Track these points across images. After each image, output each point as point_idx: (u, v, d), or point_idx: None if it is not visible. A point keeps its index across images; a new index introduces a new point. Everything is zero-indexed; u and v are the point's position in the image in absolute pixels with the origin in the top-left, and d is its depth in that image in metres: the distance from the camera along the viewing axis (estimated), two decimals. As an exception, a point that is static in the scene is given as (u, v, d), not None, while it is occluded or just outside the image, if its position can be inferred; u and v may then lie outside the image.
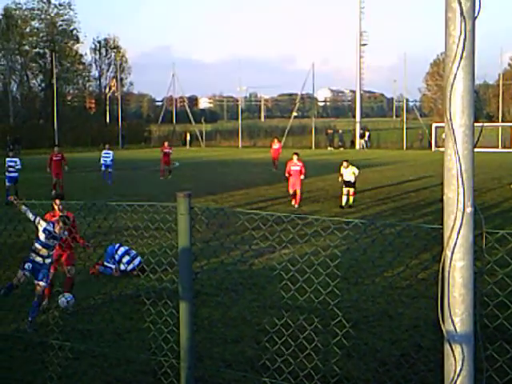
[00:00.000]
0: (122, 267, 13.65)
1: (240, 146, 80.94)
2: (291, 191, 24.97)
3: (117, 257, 13.91)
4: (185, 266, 4.99)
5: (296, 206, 24.33)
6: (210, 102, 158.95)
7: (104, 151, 35.86)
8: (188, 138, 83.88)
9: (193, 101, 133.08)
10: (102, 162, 35.35)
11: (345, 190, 24.30)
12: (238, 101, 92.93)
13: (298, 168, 25.05)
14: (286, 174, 25.49)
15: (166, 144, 39.27)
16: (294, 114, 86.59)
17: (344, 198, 24.21)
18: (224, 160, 55.36)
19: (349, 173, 24.43)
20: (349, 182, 24.34)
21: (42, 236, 10.45)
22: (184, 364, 4.97)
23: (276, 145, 42.60)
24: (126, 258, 13.92)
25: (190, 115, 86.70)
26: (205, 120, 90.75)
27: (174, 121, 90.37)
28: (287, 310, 7.96)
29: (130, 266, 13.64)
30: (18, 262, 13.11)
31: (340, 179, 25.02)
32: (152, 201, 21.63)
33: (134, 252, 14.09)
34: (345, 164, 24.75)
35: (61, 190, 28.66)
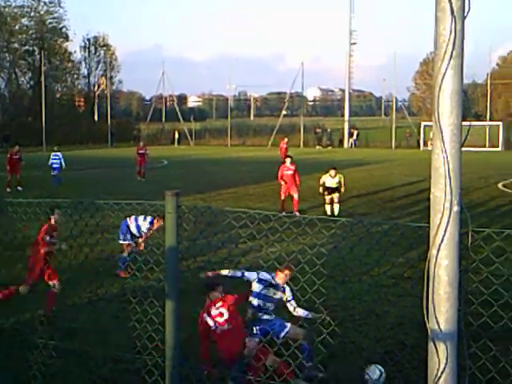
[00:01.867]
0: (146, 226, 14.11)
1: (229, 144, 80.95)
2: (283, 196, 22.95)
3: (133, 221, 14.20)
4: (171, 264, 4.97)
5: (296, 212, 21.85)
6: (200, 101, 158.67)
7: (53, 153, 33.67)
8: (177, 136, 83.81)
9: (182, 99, 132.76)
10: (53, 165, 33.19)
11: (328, 198, 22.19)
12: (227, 99, 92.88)
13: (290, 172, 23.10)
14: (281, 181, 23.24)
15: (141, 144, 38.78)
16: (284, 112, 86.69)
17: (328, 208, 22.22)
18: (213, 158, 55.35)
19: (334, 182, 22.21)
20: (332, 188, 22.19)
21: (257, 287, 8.64)
22: (169, 363, 4.95)
23: (284, 144, 44.11)
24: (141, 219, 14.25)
25: (179, 113, 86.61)
26: (194, 118, 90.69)
27: (163, 119, 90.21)
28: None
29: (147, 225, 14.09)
30: (14, 259, 13.06)
31: (321, 189, 22.48)
32: (139, 199, 21.58)
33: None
34: (332, 173, 22.29)
35: (19, 184, 30.20)
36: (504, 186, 31.14)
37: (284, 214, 21.02)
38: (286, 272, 8.52)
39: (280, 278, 8.55)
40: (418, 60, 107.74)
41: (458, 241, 3.37)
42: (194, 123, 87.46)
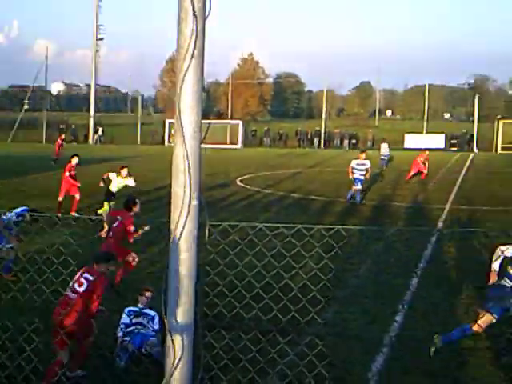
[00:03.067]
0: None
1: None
2: (61, 198, 20.34)
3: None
4: None
5: (74, 213, 19.12)
6: None
7: None
8: None
9: None
10: None
11: (107, 204, 19.25)
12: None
13: (75, 172, 20.97)
14: (65, 189, 20.78)
15: None
16: (26, 106, 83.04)
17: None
18: None
19: (120, 184, 19.29)
20: (114, 194, 19.43)
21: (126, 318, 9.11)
22: None
23: (60, 140, 42.03)
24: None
25: None
26: None
27: None
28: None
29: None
30: None
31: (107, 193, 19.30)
32: None
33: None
34: (124, 172, 19.21)
35: None
36: (241, 181, 32.68)
37: (60, 214, 18.29)
38: (147, 294, 9.06)
39: (142, 301, 9.03)
40: (165, 58, 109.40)
41: (197, 235, 3.47)
42: None
